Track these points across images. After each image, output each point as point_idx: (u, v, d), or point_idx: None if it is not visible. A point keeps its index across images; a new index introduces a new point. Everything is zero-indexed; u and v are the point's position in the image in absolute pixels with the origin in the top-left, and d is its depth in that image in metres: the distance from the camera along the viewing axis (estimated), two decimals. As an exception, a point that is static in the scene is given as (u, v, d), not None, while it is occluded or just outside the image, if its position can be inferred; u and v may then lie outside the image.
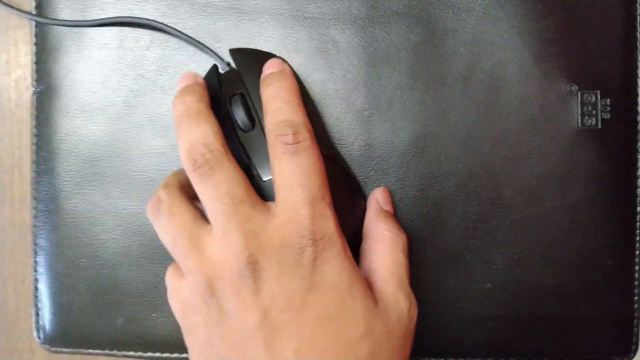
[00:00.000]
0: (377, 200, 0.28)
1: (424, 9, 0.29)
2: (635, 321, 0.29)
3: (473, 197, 0.29)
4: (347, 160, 0.29)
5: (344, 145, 0.29)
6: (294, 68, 0.29)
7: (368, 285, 0.24)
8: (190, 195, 0.25)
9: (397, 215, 0.29)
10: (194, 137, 0.23)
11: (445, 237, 0.29)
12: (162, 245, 0.30)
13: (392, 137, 0.29)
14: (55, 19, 0.29)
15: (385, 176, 0.29)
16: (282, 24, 0.29)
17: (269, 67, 0.26)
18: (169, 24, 0.29)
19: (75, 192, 0.30)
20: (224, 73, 0.28)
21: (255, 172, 0.25)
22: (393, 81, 0.29)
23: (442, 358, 0.30)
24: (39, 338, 0.31)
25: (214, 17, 0.29)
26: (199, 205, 0.24)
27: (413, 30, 0.29)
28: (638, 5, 0.29)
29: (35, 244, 0.31)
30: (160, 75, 0.30)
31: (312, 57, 0.29)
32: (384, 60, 0.29)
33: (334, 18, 0.29)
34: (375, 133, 0.29)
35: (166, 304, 0.30)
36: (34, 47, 0.30)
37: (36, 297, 0.31)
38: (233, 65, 0.28)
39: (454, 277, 0.29)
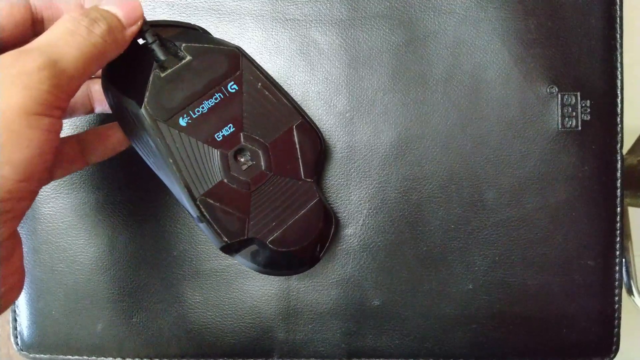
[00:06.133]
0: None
1: (405, 11, 0.29)
2: (616, 321, 0.30)
3: (454, 199, 0.29)
4: (329, 162, 0.29)
5: (326, 147, 0.29)
6: (275, 69, 0.29)
7: None
8: None
9: (380, 217, 0.29)
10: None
11: (427, 239, 0.29)
12: (139, 250, 0.29)
13: (374, 139, 0.29)
14: None
15: (367, 178, 0.29)
16: (262, 26, 0.29)
17: None
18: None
19: (52, 196, 0.30)
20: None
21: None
22: (374, 83, 0.29)
23: (426, 359, 0.30)
24: (17, 345, 0.30)
25: (194, 19, 0.29)
26: None
27: (394, 32, 0.29)
28: (618, 7, 0.29)
29: (13, 249, 0.30)
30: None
31: (293, 58, 0.29)
32: (365, 62, 0.29)
33: (315, 20, 0.29)
34: (357, 135, 0.29)
35: (145, 308, 0.29)
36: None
37: (14, 303, 0.30)
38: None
39: (436, 279, 0.29)
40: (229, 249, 0.24)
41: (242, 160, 0.24)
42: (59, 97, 0.18)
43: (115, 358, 0.30)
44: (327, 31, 0.29)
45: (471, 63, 0.29)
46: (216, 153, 0.23)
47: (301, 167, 0.25)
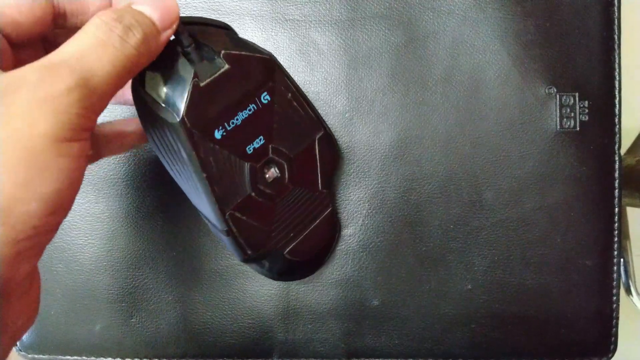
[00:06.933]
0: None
1: (404, 12, 0.29)
2: (614, 321, 0.30)
3: (454, 199, 0.29)
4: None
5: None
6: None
7: None
8: None
9: (379, 217, 0.29)
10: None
11: (426, 239, 0.29)
12: (139, 250, 0.29)
13: (373, 139, 0.29)
14: None
15: (366, 178, 0.29)
16: (262, 26, 0.29)
17: None
18: None
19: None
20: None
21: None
22: (374, 83, 0.29)
23: (425, 359, 0.30)
24: (16, 345, 0.30)
25: (193, 19, 0.29)
26: None
27: (394, 33, 0.29)
28: (615, 8, 0.29)
29: (11, 249, 0.30)
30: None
31: (293, 59, 0.29)
32: (364, 62, 0.29)
33: (314, 20, 0.29)
34: (356, 135, 0.29)
35: (144, 309, 0.29)
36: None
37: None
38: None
39: (435, 279, 0.29)
40: (248, 260, 0.24)
41: (268, 172, 0.23)
42: (89, 119, 0.17)
43: (114, 358, 0.30)
44: (326, 31, 0.29)
45: (470, 64, 0.29)
46: (246, 166, 0.22)
47: (319, 178, 0.25)
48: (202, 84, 0.20)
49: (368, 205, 0.29)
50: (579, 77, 0.29)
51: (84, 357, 0.30)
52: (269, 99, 0.22)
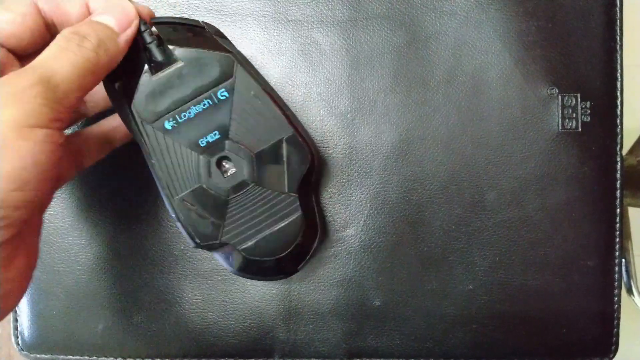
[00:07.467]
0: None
1: (406, 12, 0.29)
2: (616, 321, 0.30)
3: (455, 200, 0.29)
4: (330, 162, 0.29)
5: (327, 148, 0.29)
6: (276, 70, 0.29)
7: None
8: None
9: (381, 217, 0.29)
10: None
11: (428, 240, 0.29)
12: (141, 250, 0.29)
13: (375, 139, 0.29)
14: None
15: (368, 179, 0.29)
16: (264, 26, 0.29)
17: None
18: None
19: (53, 196, 0.30)
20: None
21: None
22: (376, 84, 0.29)
23: (427, 359, 0.30)
24: (18, 344, 0.30)
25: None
26: None
27: (396, 33, 0.29)
28: (617, 9, 0.30)
29: (13, 249, 0.30)
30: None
31: (295, 59, 0.29)
32: (367, 63, 0.29)
33: (316, 21, 0.29)
34: (358, 136, 0.29)
35: (146, 309, 0.29)
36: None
37: (12, 310, 0.30)
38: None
39: (437, 279, 0.29)
40: (204, 248, 0.25)
41: (225, 167, 0.24)
42: (55, 110, 0.19)
43: (116, 358, 0.30)
44: (328, 32, 0.29)
45: (472, 64, 0.29)
46: (198, 158, 0.24)
47: (286, 180, 0.25)
48: (153, 78, 0.23)
49: (370, 205, 0.29)
50: (581, 78, 0.29)
51: (86, 357, 0.30)
52: (227, 95, 0.24)
